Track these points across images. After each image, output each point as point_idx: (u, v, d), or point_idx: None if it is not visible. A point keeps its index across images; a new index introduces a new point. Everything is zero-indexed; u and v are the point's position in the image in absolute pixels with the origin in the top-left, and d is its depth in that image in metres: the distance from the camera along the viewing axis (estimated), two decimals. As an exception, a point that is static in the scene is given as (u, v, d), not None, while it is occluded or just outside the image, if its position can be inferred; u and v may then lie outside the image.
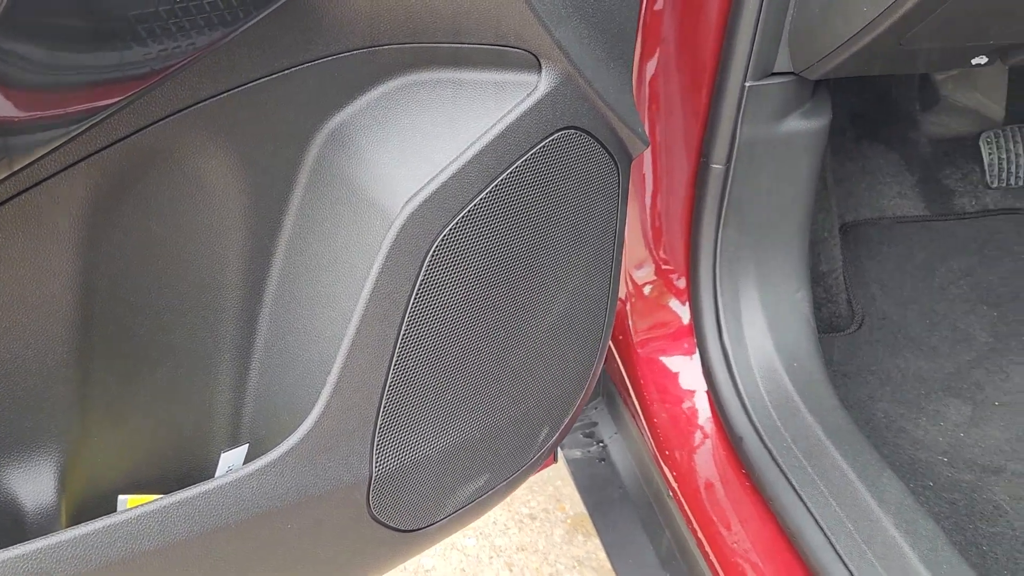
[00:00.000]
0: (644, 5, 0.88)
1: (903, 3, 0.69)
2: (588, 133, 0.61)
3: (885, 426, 1.03)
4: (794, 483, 0.83)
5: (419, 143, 0.55)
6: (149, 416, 0.57)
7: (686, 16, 0.85)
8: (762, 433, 0.87)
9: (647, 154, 0.93)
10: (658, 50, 0.89)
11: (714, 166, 0.88)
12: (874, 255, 1.26)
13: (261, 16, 0.44)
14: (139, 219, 0.52)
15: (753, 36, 0.81)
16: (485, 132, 0.55)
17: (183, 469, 0.59)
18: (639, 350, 0.95)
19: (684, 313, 0.94)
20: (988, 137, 1.24)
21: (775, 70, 0.84)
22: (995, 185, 1.27)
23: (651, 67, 0.90)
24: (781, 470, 0.85)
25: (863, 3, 0.73)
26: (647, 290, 0.97)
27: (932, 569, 0.72)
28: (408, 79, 0.56)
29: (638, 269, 0.97)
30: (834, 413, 0.89)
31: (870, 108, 1.35)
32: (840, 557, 0.76)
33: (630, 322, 0.96)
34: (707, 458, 0.90)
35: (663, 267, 0.95)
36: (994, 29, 0.80)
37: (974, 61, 0.86)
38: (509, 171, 0.56)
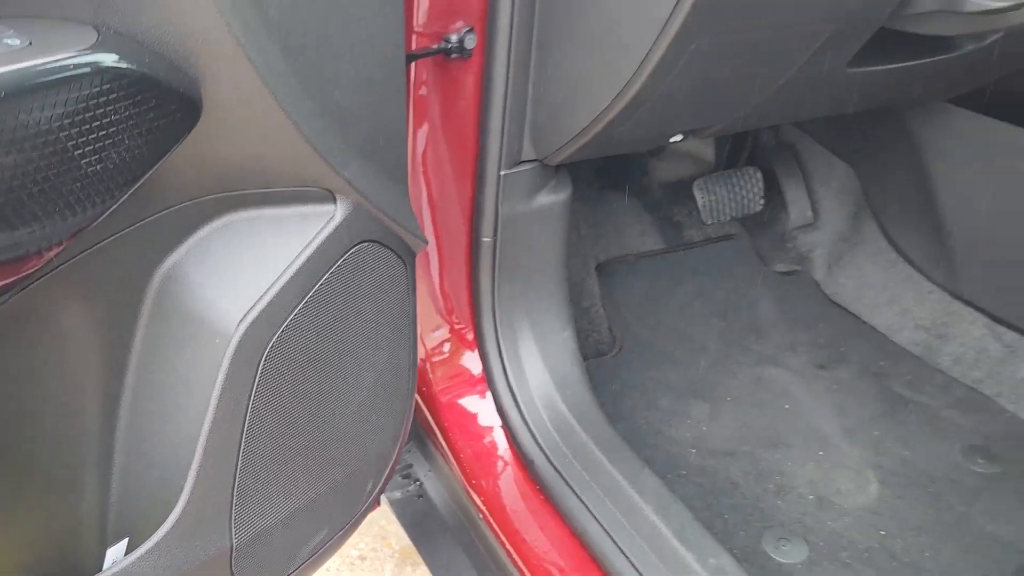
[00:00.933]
0: (411, 98, 1.04)
1: (608, 113, 0.91)
2: (378, 243, 0.76)
3: (646, 431, 1.26)
4: (577, 491, 1.02)
5: (243, 272, 0.68)
6: (27, 524, 0.65)
7: (447, 121, 1.03)
8: (548, 454, 1.06)
9: (431, 235, 1.10)
10: (429, 149, 1.06)
11: (484, 239, 1.06)
12: (626, 287, 1.51)
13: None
14: (5, 364, 0.61)
15: (502, 134, 0.99)
16: (296, 257, 0.69)
17: (64, 568, 0.67)
18: (441, 399, 1.11)
19: (476, 363, 1.11)
20: (699, 183, 1.52)
21: (523, 159, 1.03)
22: (709, 222, 1.56)
23: (426, 160, 1.07)
24: (566, 482, 1.04)
25: (580, 111, 0.94)
26: (444, 348, 1.13)
27: (682, 541, 0.94)
28: (228, 219, 0.68)
29: (434, 331, 1.13)
30: (603, 428, 1.10)
31: (610, 161, 1.60)
32: (617, 545, 0.96)
33: (431, 376, 1.12)
34: (508, 482, 1.08)
35: (455, 327, 1.12)
36: (684, 120, 1.05)
37: (671, 139, 1.10)
38: (319, 284, 0.71)
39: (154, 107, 0.54)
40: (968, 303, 1.40)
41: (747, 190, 1.53)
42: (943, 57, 1.06)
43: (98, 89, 0.50)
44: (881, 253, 1.52)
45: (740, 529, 1.11)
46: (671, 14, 0.78)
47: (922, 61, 1.05)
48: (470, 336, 1.12)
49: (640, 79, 0.85)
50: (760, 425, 1.27)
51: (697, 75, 0.89)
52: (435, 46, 0.94)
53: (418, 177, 1.07)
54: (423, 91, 1.03)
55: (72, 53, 0.49)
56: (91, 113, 0.50)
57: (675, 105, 0.96)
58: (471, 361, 1.12)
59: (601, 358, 1.39)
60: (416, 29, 0.97)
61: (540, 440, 1.08)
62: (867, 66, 1.02)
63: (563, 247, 1.13)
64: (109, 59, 0.50)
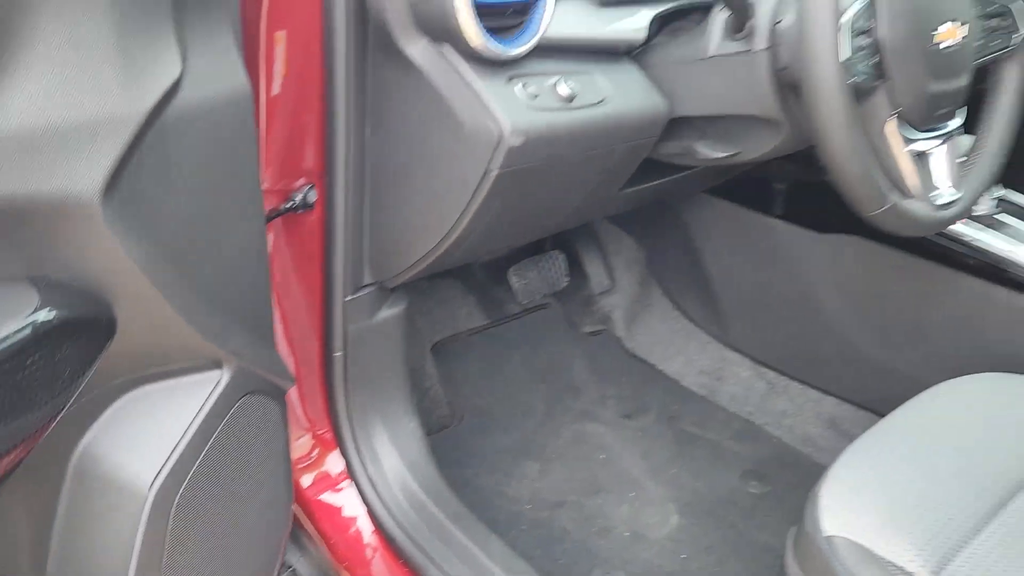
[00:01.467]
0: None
1: (436, 250, 1.10)
2: (257, 392, 0.92)
3: (488, 492, 1.46)
4: (435, 560, 1.21)
5: (149, 439, 0.82)
6: None
7: (297, 261, 1.19)
8: (408, 531, 1.24)
9: (289, 354, 1.25)
10: (284, 283, 1.22)
11: (335, 354, 1.23)
12: (460, 362, 1.71)
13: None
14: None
15: (344, 266, 1.17)
16: (193, 419, 0.84)
17: None
18: (311, 496, 1.26)
19: (338, 461, 1.27)
20: (513, 270, 1.76)
21: (364, 283, 1.21)
22: (525, 302, 1.79)
23: (280, 292, 1.23)
24: (425, 553, 1.22)
25: (413, 248, 1.13)
26: (311, 453, 1.28)
27: (526, 592, 1.14)
28: (133, 395, 0.82)
29: (299, 440, 1.28)
30: (451, 500, 1.29)
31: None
32: (474, 604, 1.15)
33: (300, 479, 1.27)
34: (377, 561, 1.24)
35: (317, 433, 1.28)
36: (498, 244, 1.27)
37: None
38: (213, 438, 0.86)
39: (87, 334, 0.68)
40: (737, 350, 1.71)
41: (554, 270, 1.78)
42: (690, 171, 1.34)
43: (44, 337, 0.64)
44: (666, 312, 1.82)
45: (572, 570, 1.33)
46: (479, 182, 0.99)
47: (675, 176, 1.33)
48: (330, 438, 1.28)
49: (461, 225, 1.05)
50: (582, 476, 1.51)
51: (505, 215, 1.11)
52: (284, 205, 1.11)
53: (276, 307, 1.23)
54: (274, 238, 1.19)
55: (21, 323, 0.62)
56: (40, 352, 0.64)
57: (492, 236, 1.17)
58: (334, 460, 1.28)
59: (444, 431, 1.58)
60: (264, 188, 1.13)
61: (399, 520, 1.25)
62: (634, 186, 1.29)
63: (403, 350, 1.31)
64: (53, 314, 0.64)
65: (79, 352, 0.68)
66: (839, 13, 0.87)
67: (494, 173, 0.97)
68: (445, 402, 1.62)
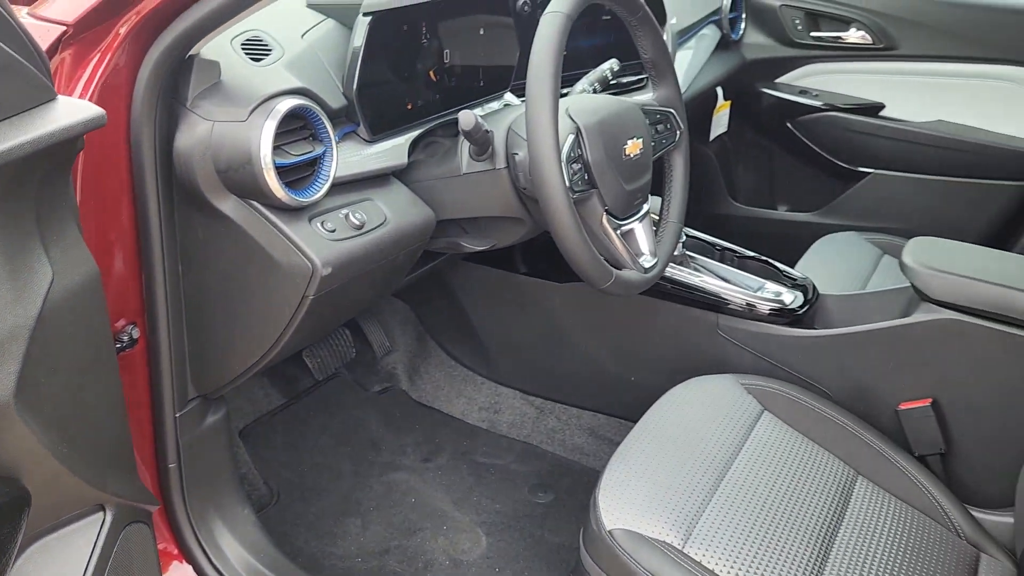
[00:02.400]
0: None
1: (258, 364, 1.28)
2: (134, 521, 1.05)
3: (320, 555, 1.64)
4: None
5: (55, 585, 0.94)
6: None
7: (128, 389, 1.30)
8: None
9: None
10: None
11: (170, 465, 1.35)
12: (268, 444, 1.86)
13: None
14: None
15: (171, 387, 1.30)
16: (88, 558, 0.96)
17: None
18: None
19: (183, 560, 1.39)
20: (304, 352, 1.94)
21: (189, 398, 1.35)
22: (321, 378, 1.98)
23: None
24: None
25: (234, 364, 1.29)
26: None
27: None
28: (33, 549, 0.93)
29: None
30: (293, 570, 1.45)
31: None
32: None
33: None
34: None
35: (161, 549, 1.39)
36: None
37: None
38: (107, 569, 0.99)
39: (14, 512, 0.81)
40: (507, 385, 2.03)
41: (342, 344, 1.98)
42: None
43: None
44: (443, 362, 2.09)
45: (408, 606, 1.55)
46: (297, 307, 1.19)
47: (442, 258, 1.60)
48: (172, 541, 1.40)
49: (282, 342, 1.24)
50: (399, 521, 1.73)
51: (317, 325, 1.30)
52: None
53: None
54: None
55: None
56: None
57: (303, 341, 1.36)
58: (179, 561, 1.40)
59: (267, 509, 1.73)
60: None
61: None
62: (412, 274, 1.54)
63: (231, 447, 1.46)
64: (-6, 504, 0.77)
65: (10, 528, 0.80)
66: (559, 150, 1.18)
67: (310, 299, 1.17)
68: (262, 482, 1.77)
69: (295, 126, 1.15)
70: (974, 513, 1.47)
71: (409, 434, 1.97)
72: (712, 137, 2.49)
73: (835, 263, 2.03)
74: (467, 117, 1.20)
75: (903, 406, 1.53)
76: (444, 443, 1.95)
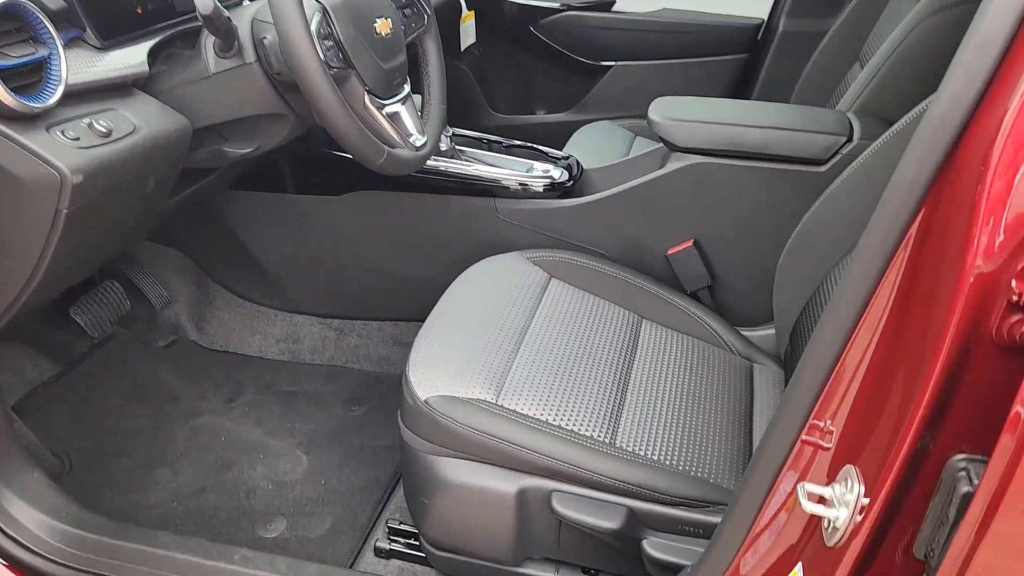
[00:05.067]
0: None
1: (27, 289, 1.16)
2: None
3: (130, 510, 1.54)
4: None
5: None
6: None
7: None
8: (73, 565, 1.29)
9: None
10: None
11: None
12: (50, 416, 1.71)
13: None
14: None
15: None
16: None
17: None
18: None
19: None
20: (74, 310, 1.78)
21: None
22: (96, 335, 1.84)
23: None
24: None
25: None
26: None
27: (209, 558, 1.29)
28: None
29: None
30: (103, 522, 1.36)
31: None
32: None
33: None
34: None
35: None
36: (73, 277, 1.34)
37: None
38: None
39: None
40: (302, 313, 1.98)
41: (113, 297, 1.84)
42: (222, 170, 1.55)
43: None
44: (231, 302, 2.01)
45: (239, 531, 1.51)
46: (52, 223, 1.09)
47: (207, 180, 1.53)
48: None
49: (42, 267, 1.14)
50: (211, 460, 1.66)
51: (79, 248, 1.21)
52: None
53: None
54: None
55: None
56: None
57: (66, 272, 1.26)
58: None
59: (60, 480, 1.60)
60: None
61: (59, 560, 1.30)
62: (177, 196, 1.46)
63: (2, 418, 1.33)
64: None
65: None
66: (307, 23, 1.16)
67: (64, 212, 1.08)
68: (50, 453, 1.63)
69: (10, 27, 1.05)
70: (743, 332, 1.65)
71: (207, 380, 1.88)
72: (463, 48, 2.54)
73: (594, 148, 2.16)
74: (205, 2, 1.15)
75: (671, 251, 1.67)
76: (246, 382, 1.89)
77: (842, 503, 0.80)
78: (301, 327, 1.98)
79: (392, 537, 1.47)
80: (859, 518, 0.77)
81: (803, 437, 0.90)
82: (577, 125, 2.38)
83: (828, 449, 0.87)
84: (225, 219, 1.86)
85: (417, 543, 1.43)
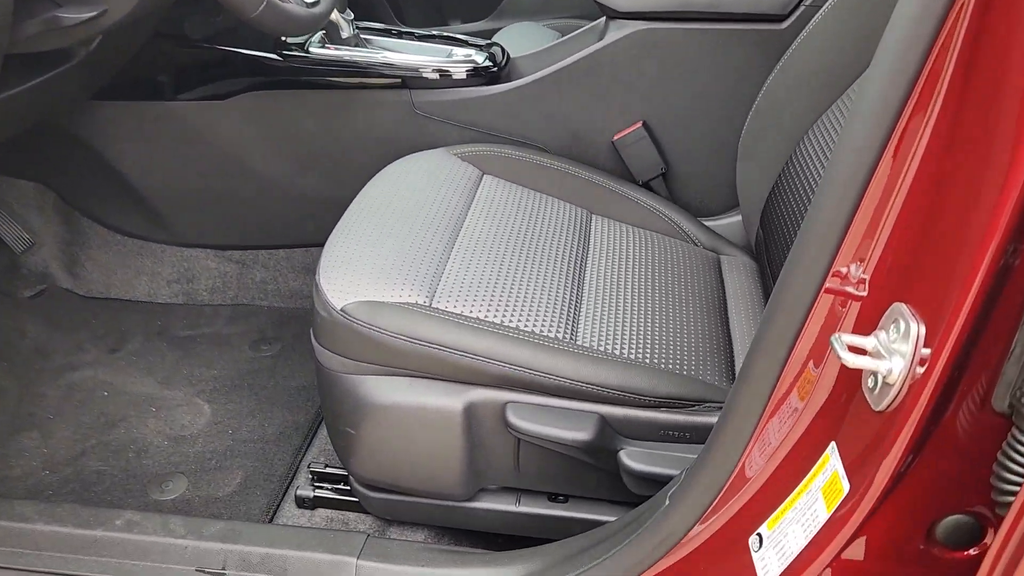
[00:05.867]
0: None
1: None
2: None
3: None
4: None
5: None
6: None
7: None
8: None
9: None
10: None
11: None
12: None
13: None
14: None
15: None
16: None
17: None
18: None
19: None
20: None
21: None
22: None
23: None
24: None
25: None
26: None
27: (81, 526, 1.02)
28: None
29: None
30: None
31: None
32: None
33: None
34: None
35: None
36: None
37: None
38: None
39: None
40: (195, 246, 1.70)
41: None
42: (72, 65, 1.25)
43: None
44: (108, 240, 1.70)
45: (128, 496, 1.24)
46: None
47: (49, 75, 1.23)
48: None
49: None
50: (91, 420, 1.38)
51: None
52: None
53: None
54: None
55: None
56: None
57: None
58: None
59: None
60: None
61: None
62: (6, 91, 1.16)
63: None
64: None
65: None
66: None
67: None
68: None
69: None
70: (706, 223, 1.45)
71: (84, 330, 1.59)
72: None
73: (519, 44, 1.92)
74: None
75: (617, 137, 1.47)
76: (132, 330, 1.60)
77: (893, 352, 0.60)
78: (195, 263, 1.70)
79: (317, 484, 1.23)
80: (920, 370, 0.58)
81: (827, 285, 0.70)
82: (494, 33, 2.14)
83: (861, 296, 0.67)
84: (90, 138, 1.55)
85: (347, 487, 1.20)
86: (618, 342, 1.04)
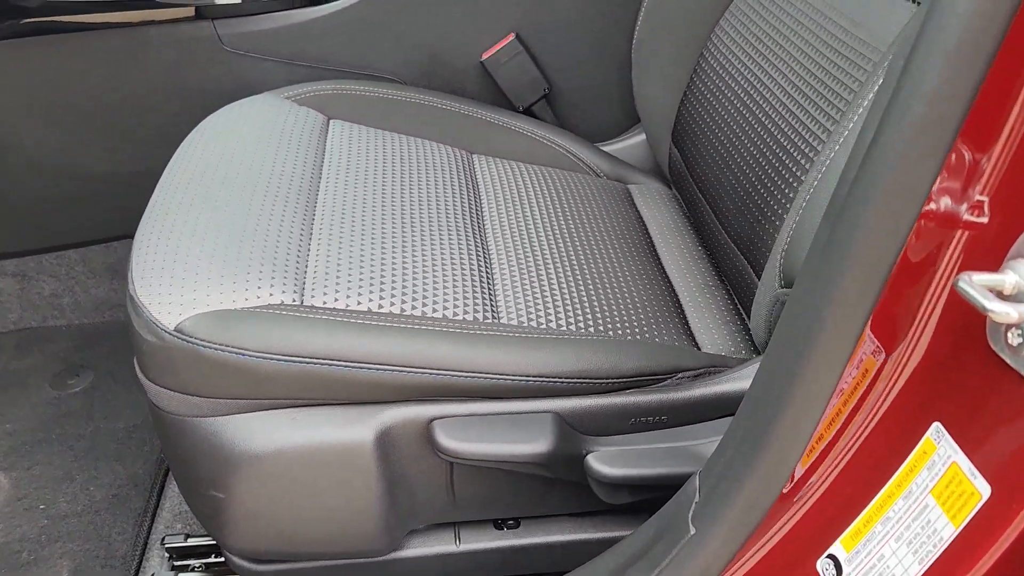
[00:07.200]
0: None
1: None
2: None
3: None
4: None
5: None
6: None
7: None
8: None
9: None
10: None
11: None
12: None
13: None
14: None
15: None
16: None
17: None
18: None
19: None
20: None
21: None
22: None
23: None
24: None
25: None
26: None
27: None
28: None
29: None
30: None
31: None
32: None
33: None
34: None
35: None
36: None
37: None
38: None
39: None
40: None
41: None
42: None
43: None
44: None
45: None
46: None
47: None
48: None
49: None
50: None
51: None
52: None
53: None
54: None
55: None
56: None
57: None
58: None
59: None
60: None
61: None
62: None
63: None
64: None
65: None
66: None
67: None
68: None
69: None
70: (604, 148, 1.23)
71: None
72: None
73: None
74: None
75: (485, 55, 1.21)
76: None
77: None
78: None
79: (177, 563, 0.92)
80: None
81: (926, 208, 0.47)
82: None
83: (979, 224, 0.46)
84: None
85: (220, 559, 0.90)
86: (551, 313, 0.80)
